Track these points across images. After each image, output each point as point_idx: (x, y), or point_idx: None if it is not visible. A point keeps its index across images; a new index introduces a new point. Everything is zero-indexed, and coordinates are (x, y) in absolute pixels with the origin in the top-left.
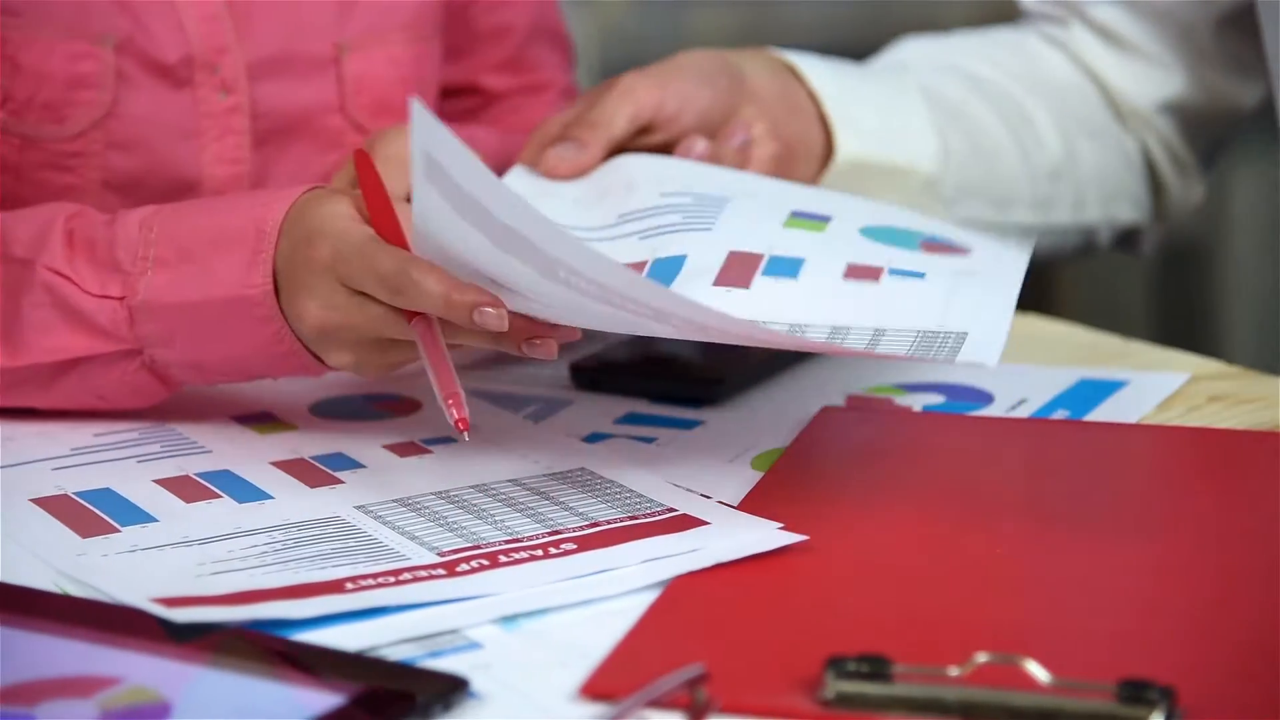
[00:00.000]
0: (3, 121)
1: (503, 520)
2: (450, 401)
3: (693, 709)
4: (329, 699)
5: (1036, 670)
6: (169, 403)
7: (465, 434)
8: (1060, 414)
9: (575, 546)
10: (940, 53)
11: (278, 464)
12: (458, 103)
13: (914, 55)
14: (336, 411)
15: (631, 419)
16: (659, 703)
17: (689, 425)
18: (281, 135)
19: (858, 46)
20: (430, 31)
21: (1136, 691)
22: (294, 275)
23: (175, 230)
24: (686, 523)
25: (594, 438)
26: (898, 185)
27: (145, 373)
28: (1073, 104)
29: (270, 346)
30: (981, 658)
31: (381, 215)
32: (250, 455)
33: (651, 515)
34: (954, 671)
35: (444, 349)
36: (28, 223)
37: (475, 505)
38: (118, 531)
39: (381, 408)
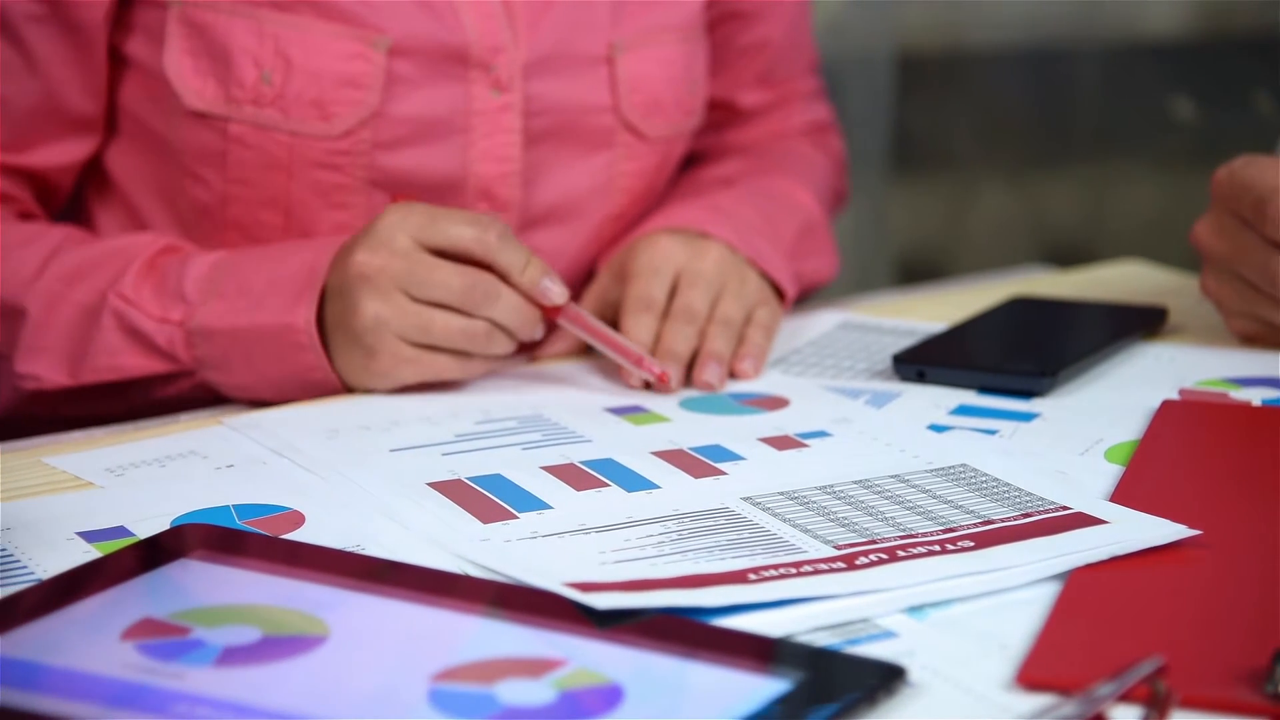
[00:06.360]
0: (272, 118)
1: (894, 517)
2: (642, 362)
3: (1154, 701)
4: (774, 685)
5: None
6: (541, 394)
7: (669, 385)
8: None
9: (973, 544)
10: None
11: (659, 454)
12: (708, 115)
13: None
14: (706, 407)
15: (965, 410)
16: (1122, 695)
17: (1027, 418)
18: (553, 134)
19: (1058, 44)
20: (699, 31)
21: None
22: (347, 287)
23: (239, 271)
24: (1083, 521)
25: (933, 429)
26: None
27: (201, 391)
28: None
29: (306, 373)
30: None
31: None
32: (629, 445)
33: (1046, 513)
34: None
35: (602, 325)
36: (114, 257)
37: (863, 501)
38: (516, 518)
39: (750, 404)
